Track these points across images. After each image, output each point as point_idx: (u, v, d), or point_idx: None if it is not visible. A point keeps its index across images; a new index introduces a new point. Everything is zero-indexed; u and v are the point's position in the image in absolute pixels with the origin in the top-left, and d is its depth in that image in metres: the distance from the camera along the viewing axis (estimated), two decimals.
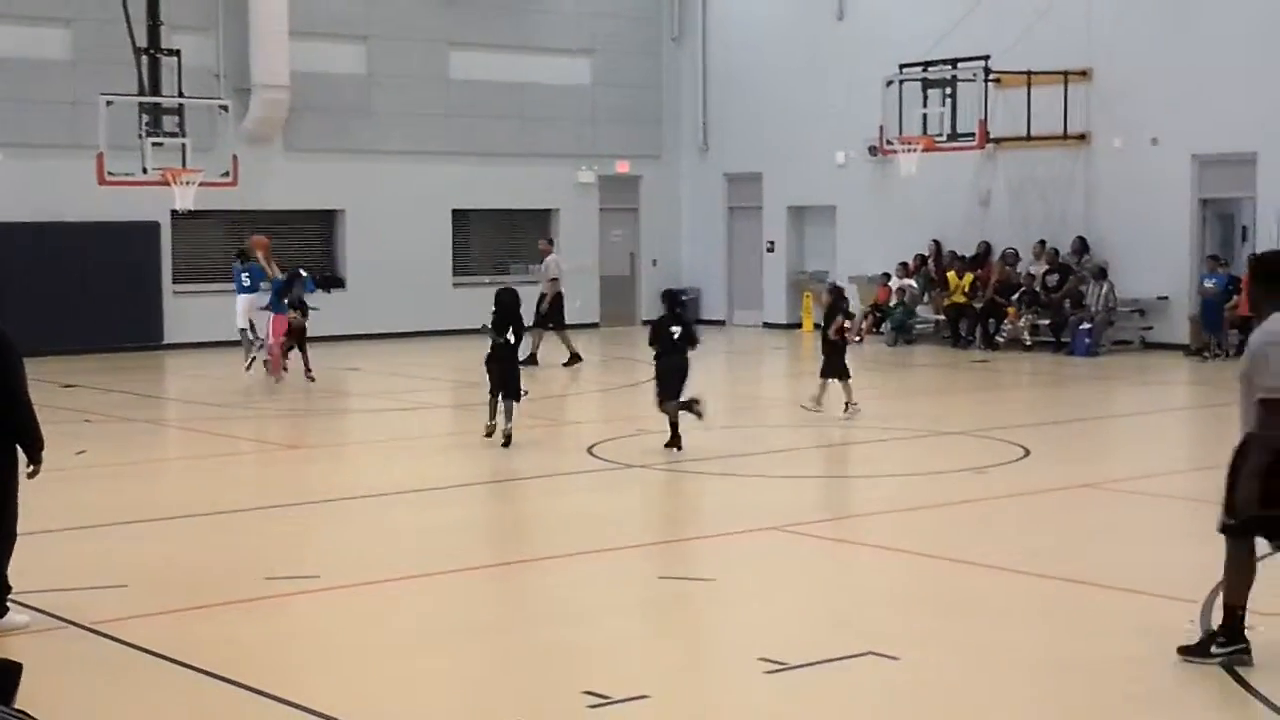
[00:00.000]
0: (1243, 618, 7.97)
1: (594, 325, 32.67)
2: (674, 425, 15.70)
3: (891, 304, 29.00)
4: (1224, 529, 8.00)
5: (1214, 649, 7.99)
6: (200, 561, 11.08)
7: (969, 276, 27.76)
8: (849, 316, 18.53)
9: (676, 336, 15.96)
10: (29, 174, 26.63)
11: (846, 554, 11.23)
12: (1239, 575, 7.99)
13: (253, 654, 8.59)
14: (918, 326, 28.80)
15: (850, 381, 18.23)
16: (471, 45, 31.40)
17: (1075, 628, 9.01)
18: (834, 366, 18.17)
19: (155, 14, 24.73)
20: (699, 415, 15.82)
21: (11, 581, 9.13)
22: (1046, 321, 26.68)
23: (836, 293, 19.01)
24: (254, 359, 22.33)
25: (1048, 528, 12.14)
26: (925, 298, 28.92)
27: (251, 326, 22.71)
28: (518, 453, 16.03)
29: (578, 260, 32.65)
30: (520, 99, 32.00)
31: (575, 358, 24.65)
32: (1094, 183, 27.15)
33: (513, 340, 16.31)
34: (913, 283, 28.95)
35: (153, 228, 27.90)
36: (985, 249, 28.52)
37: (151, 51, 24.62)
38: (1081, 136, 26.97)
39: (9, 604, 9.09)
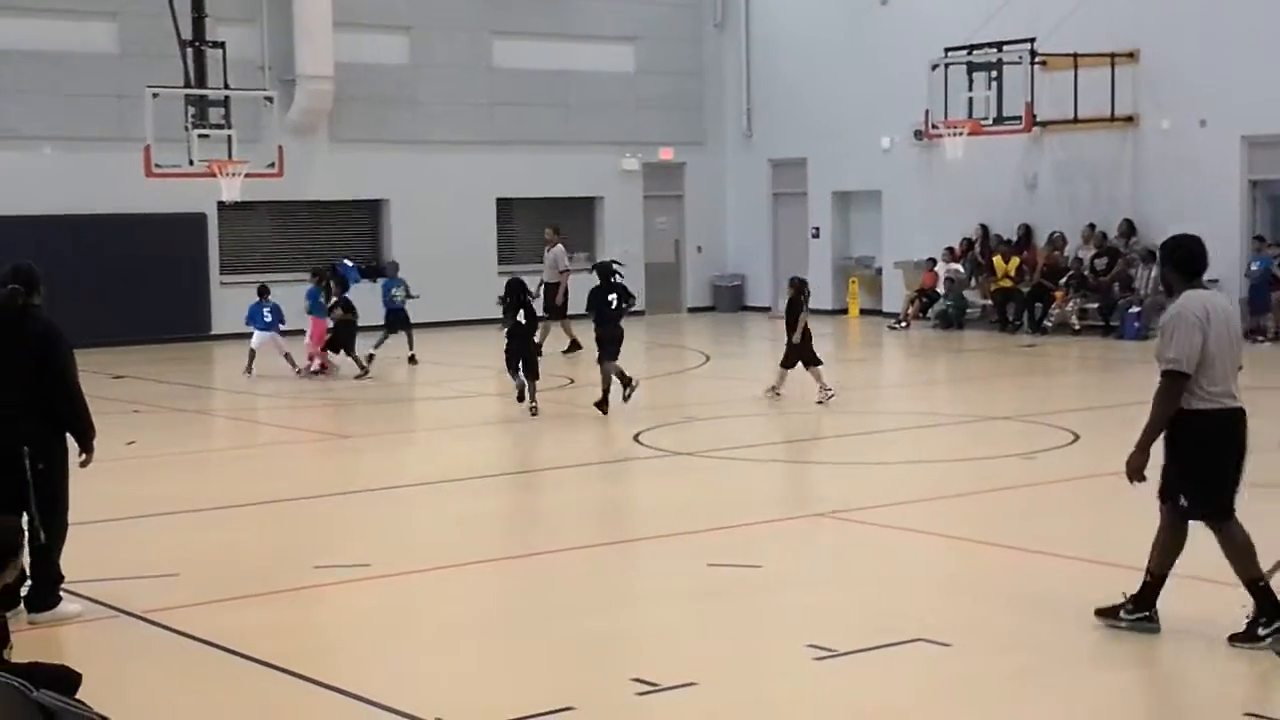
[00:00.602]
0: (1158, 588, 8.33)
1: (639, 313, 32.64)
2: (607, 389, 17.17)
3: (939, 289, 28.86)
4: (1214, 517, 8.24)
5: (1123, 614, 8.39)
6: (250, 550, 11.14)
7: (1015, 260, 27.59)
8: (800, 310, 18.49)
9: (614, 305, 17.43)
10: (77, 167, 26.82)
11: (895, 540, 11.18)
12: (1164, 545, 8.35)
13: (303, 642, 8.63)
14: (965, 311, 28.64)
15: (820, 368, 18.22)
16: (515, 34, 31.41)
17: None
18: (800, 356, 18.20)
19: (200, 6, 24.85)
20: (627, 390, 17.31)
21: (64, 571, 9.20)
22: (1095, 305, 26.49)
23: (798, 286, 19.02)
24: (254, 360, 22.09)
25: (1098, 513, 12.05)
26: (972, 282, 28.76)
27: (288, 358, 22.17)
28: (565, 440, 16.05)
29: (623, 248, 32.72)
30: (564, 87, 32.00)
31: (575, 345, 24.43)
32: (1142, 165, 26.92)
33: (524, 321, 17.66)
34: (959, 267, 28.80)
35: (199, 219, 28.06)
36: (1026, 232, 28.34)
37: (197, 44, 24.73)
38: (1129, 119, 26.74)
39: (61, 593, 9.16)
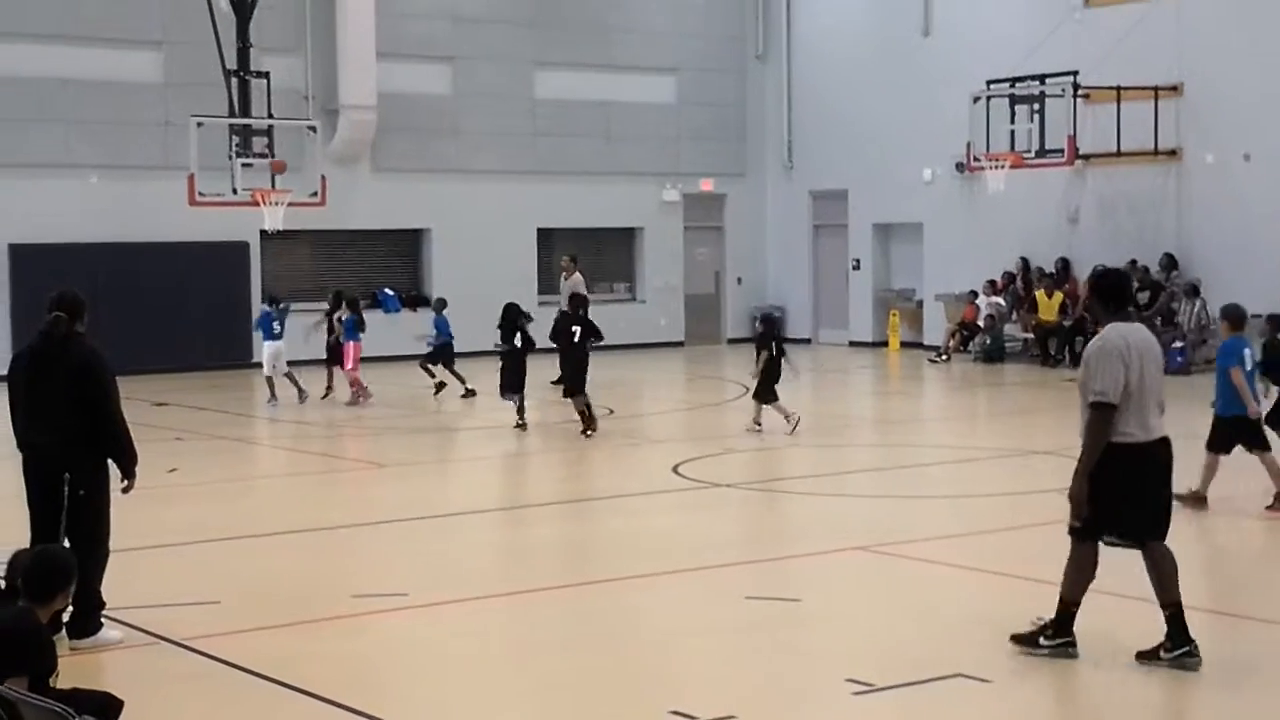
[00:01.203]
0: (1074, 614, 8.53)
1: (679, 344, 32.66)
2: (582, 413, 18.01)
3: (980, 322, 28.76)
4: (1071, 531, 8.55)
5: (1043, 640, 8.55)
6: (290, 578, 11.16)
7: (1058, 296, 27.46)
8: (766, 349, 18.59)
9: (577, 336, 18.34)
10: (121, 195, 27.05)
11: (935, 575, 11.11)
12: (1079, 574, 8.54)
13: (341, 670, 8.63)
14: (1006, 345, 28.52)
15: (779, 403, 18.37)
16: (557, 65, 31.54)
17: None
18: (765, 391, 18.35)
19: (245, 36, 25.01)
20: (588, 431, 18.01)
21: (105, 598, 9.24)
22: None
23: (768, 323, 19.24)
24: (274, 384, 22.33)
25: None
26: (1013, 316, 28.65)
27: (292, 378, 22.33)
28: (604, 471, 16.04)
29: (663, 279, 32.77)
30: (605, 118, 32.10)
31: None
32: (1186, 199, 26.80)
33: (519, 345, 18.91)
34: (1000, 301, 28.70)
35: (242, 247, 28.23)
36: (1066, 265, 28.22)
37: (241, 73, 24.90)
38: (1172, 152, 26.64)
39: (103, 620, 9.19)
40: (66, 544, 9.02)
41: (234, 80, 24.81)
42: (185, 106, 25.42)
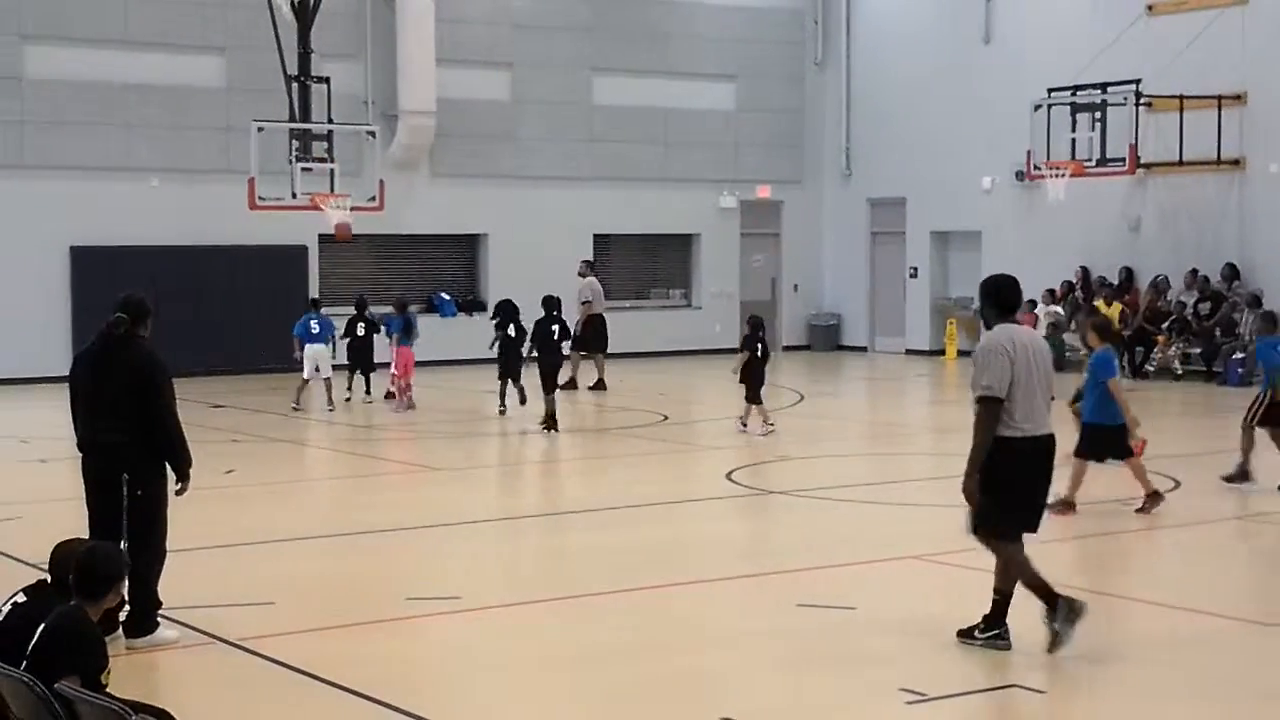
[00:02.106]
0: (1008, 602, 8.92)
1: (734, 350, 32.57)
2: (551, 412, 19.09)
3: (1040, 331, 28.53)
4: (989, 536, 8.96)
5: (977, 634, 8.95)
6: (344, 580, 11.20)
7: (1117, 306, 27.21)
8: (751, 351, 19.08)
9: (556, 336, 19.72)
10: (183, 198, 27.27)
11: (988, 584, 11.00)
12: (1020, 566, 8.92)
13: (394, 672, 8.65)
14: (1065, 354, 28.29)
15: (762, 405, 18.69)
16: (615, 71, 31.57)
17: (1229, 665, 8.76)
18: (752, 393, 18.70)
19: (306, 42, 25.19)
20: (550, 429, 19.03)
21: (161, 597, 9.29)
22: (1198, 350, 26.08)
23: (755, 325, 19.46)
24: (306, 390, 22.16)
25: (1199, 561, 11.84)
26: (1071, 325, 28.42)
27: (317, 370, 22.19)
28: (657, 477, 16.02)
29: (719, 286, 32.74)
30: (663, 124, 32.10)
31: (571, 383, 24.51)
32: (1248, 209, 26.53)
33: (513, 334, 20.32)
34: (1059, 310, 28.49)
35: (301, 251, 28.41)
36: (1128, 275, 27.99)
37: (302, 79, 25.07)
38: (1235, 162, 26.37)
39: (159, 619, 9.25)
40: (124, 544, 9.12)
41: (295, 85, 24.99)
42: (246, 111, 25.62)
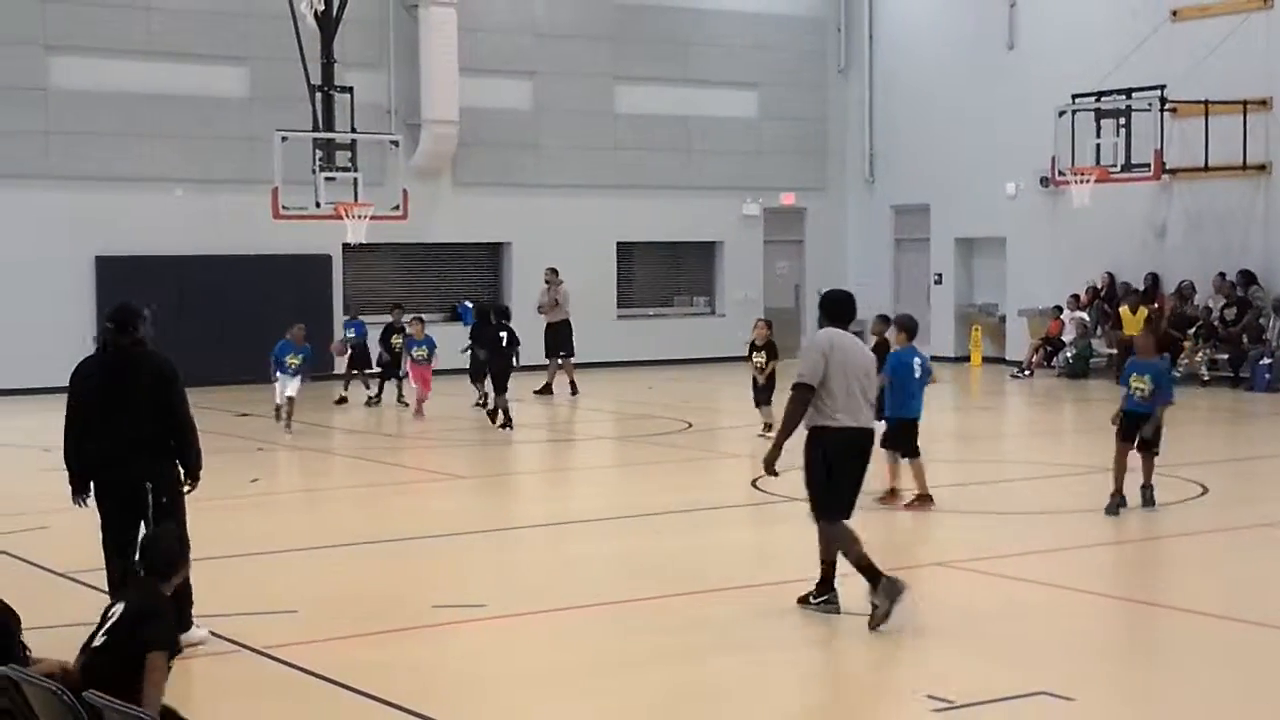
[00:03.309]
0: (876, 566, 9.76)
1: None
2: (506, 410, 20.27)
3: (1066, 337, 28.45)
4: (832, 519, 9.89)
5: (811, 599, 9.99)
6: (369, 588, 11.20)
7: (1143, 311, 27.10)
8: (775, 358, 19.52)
9: (505, 342, 20.74)
10: (207, 208, 27.36)
11: (1016, 591, 10.98)
12: (851, 544, 9.83)
13: (419, 680, 8.64)
14: (1091, 360, 28.20)
15: (769, 407, 18.78)
16: (637, 79, 31.58)
17: (1256, 672, 8.70)
18: (762, 396, 19.00)
19: (329, 52, 25.26)
20: (505, 426, 20.23)
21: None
22: (1225, 356, 25.96)
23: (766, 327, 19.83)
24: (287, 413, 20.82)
25: (1227, 568, 11.77)
26: (1097, 331, 28.33)
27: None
28: (681, 485, 15.99)
29: (743, 292, 32.69)
30: (686, 132, 32.10)
31: (547, 388, 25.38)
32: (1274, 214, 26.40)
33: (504, 341, 20.93)
34: (1084, 315, 28.39)
35: (325, 260, 28.47)
36: (1154, 281, 27.89)
37: (325, 88, 25.13)
38: (1261, 167, 26.26)
39: (193, 619, 9.32)
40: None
41: (318, 95, 25.06)
42: (270, 121, 25.68)
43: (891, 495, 14.07)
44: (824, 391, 9.68)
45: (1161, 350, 14.57)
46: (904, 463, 14.18)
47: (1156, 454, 13.66)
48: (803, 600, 10.07)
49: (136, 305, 9.59)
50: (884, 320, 15.92)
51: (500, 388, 20.51)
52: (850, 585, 11.03)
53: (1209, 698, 8.19)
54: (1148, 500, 13.59)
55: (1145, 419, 13.42)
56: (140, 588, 6.63)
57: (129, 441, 9.18)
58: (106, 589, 9.58)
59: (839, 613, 9.84)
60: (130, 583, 6.75)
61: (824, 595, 10.01)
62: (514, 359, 21.13)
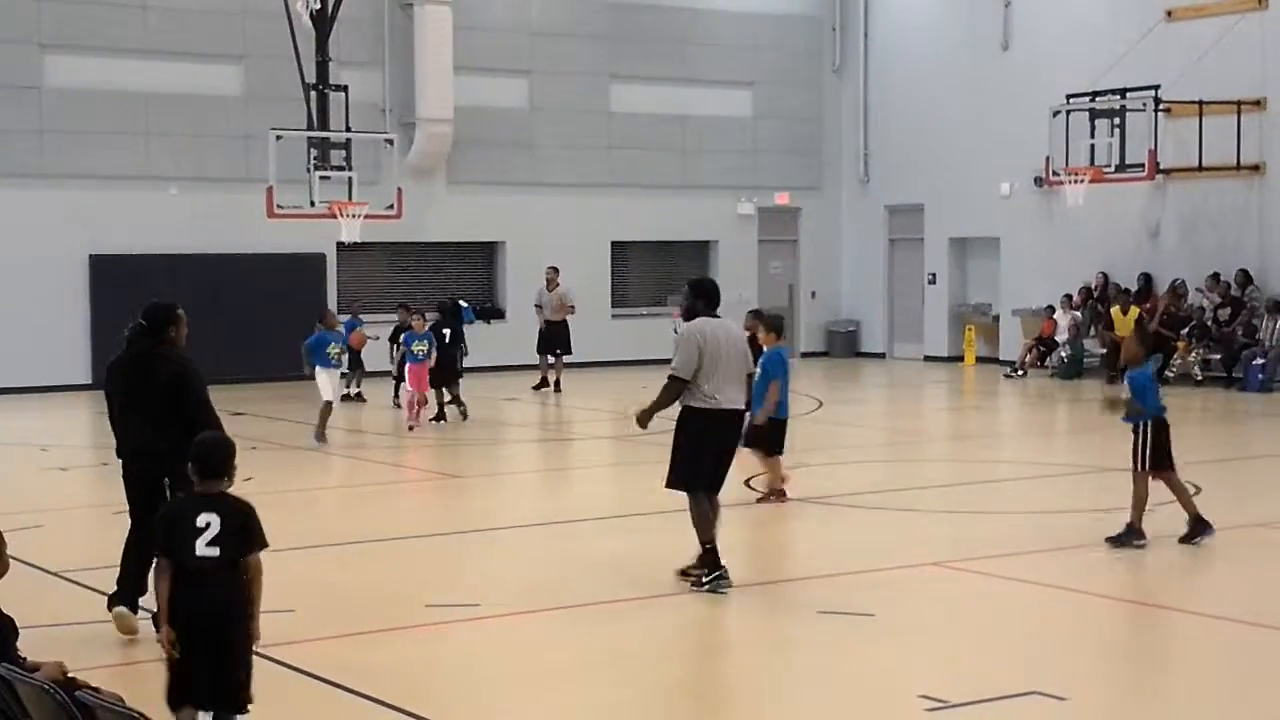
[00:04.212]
0: (715, 549, 10.48)
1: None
2: (442, 405, 20.82)
3: (1059, 337, 28.48)
4: (679, 488, 10.64)
5: (704, 580, 10.45)
6: (363, 588, 11.21)
7: (1134, 310, 27.12)
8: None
9: (448, 339, 21.15)
10: (201, 207, 27.34)
11: (1009, 591, 11.00)
12: (704, 520, 10.52)
13: (413, 679, 8.65)
14: (1085, 360, 28.23)
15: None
16: (632, 78, 31.59)
17: (1248, 671, 8.73)
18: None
19: (324, 51, 25.26)
20: (457, 409, 20.95)
21: None
22: (1218, 356, 25.99)
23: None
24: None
25: (1219, 567, 11.79)
26: (1090, 331, 28.37)
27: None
28: None
29: (738, 292, 32.70)
30: (681, 131, 32.11)
31: (544, 383, 25.96)
32: (1269, 214, 26.44)
33: (447, 337, 21.36)
34: (1078, 315, 28.43)
35: (319, 259, 28.46)
36: (1147, 281, 27.92)
37: (320, 87, 25.14)
38: (1255, 167, 26.30)
39: None
40: None
41: (313, 94, 25.07)
42: (264, 120, 25.68)
43: (778, 495, 14.23)
44: (699, 377, 10.36)
45: (1150, 352, 14.19)
46: (757, 461, 14.34)
47: (1170, 470, 12.27)
48: (690, 578, 10.59)
49: (170, 303, 9.68)
50: (756, 316, 15.60)
51: (448, 384, 20.95)
52: (838, 586, 11.05)
53: (1202, 697, 8.21)
54: (1190, 534, 12.11)
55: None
56: (221, 500, 7.01)
57: (148, 439, 9.40)
58: (114, 587, 9.62)
59: (730, 586, 10.39)
60: (206, 494, 7.06)
61: (715, 573, 10.48)
62: (459, 356, 21.67)
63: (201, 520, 6.89)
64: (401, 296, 28.71)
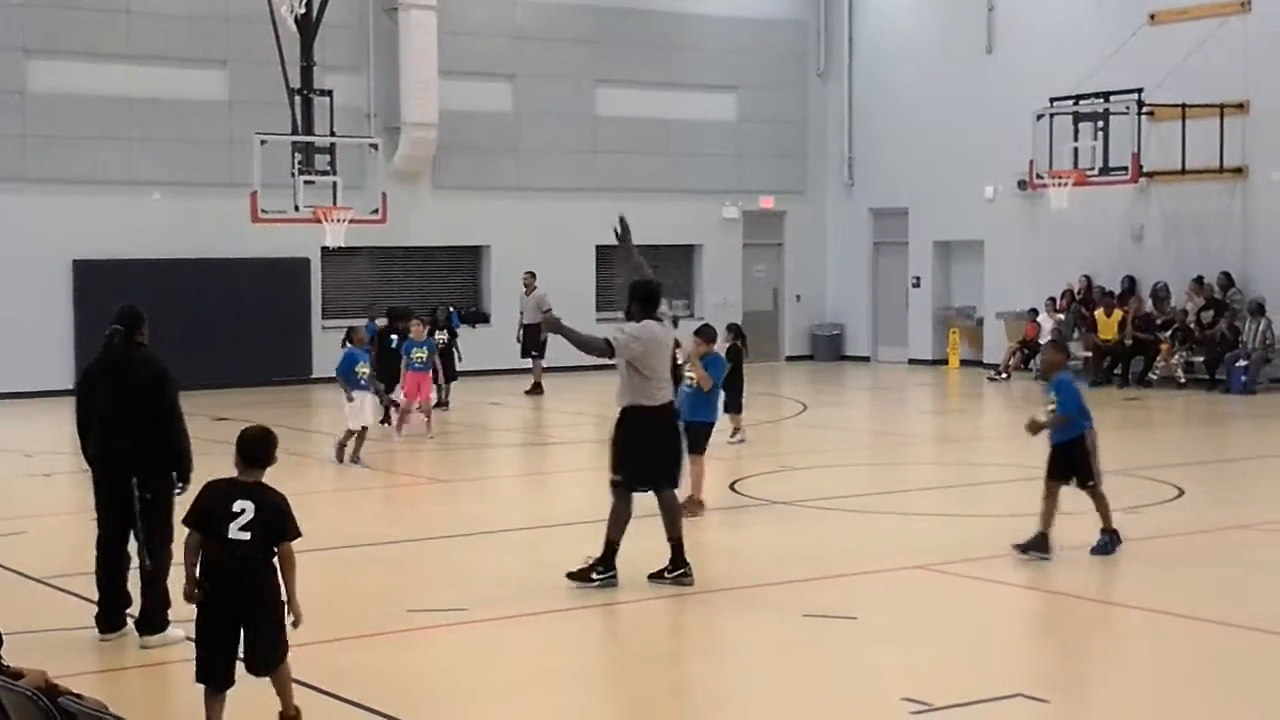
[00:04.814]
0: (615, 551, 10.83)
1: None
2: (388, 410, 20.47)
3: (1043, 340, 28.51)
4: (612, 485, 10.93)
5: (594, 575, 10.77)
6: (347, 592, 11.19)
7: (1118, 314, 27.19)
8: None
9: (394, 345, 20.88)
10: (185, 212, 27.28)
11: (993, 594, 11.02)
12: (618, 519, 10.90)
13: (397, 685, 8.65)
14: (1070, 363, 28.23)
15: (740, 415, 18.56)
16: (618, 82, 31.59)
17: (1232, 674, 8.76)
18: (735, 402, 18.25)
19: (309, 55, 25.22)
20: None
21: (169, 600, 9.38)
22: (1201, 358, 26.06)
23: (741, 336, 18.88)
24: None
25: (1203, 570, 11.83)
26: (1074, 334, 28.42)
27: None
28: None
29: (722, 296, 32.73)
30: (665, 135, 32.13)
31: (536, 387, 25.98)
32: (1251, 217, 26.53)
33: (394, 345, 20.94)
34: (1062, 318, 28.48)
35: (303, 264, 28.42)
36: (1131, 284, 27.99)
37: (305, 92, 25.10)
38: (1238, 170, 26.38)
39: (170, 618, 9.45)
40: (137, 547, 9.37)
41: (297, 98, 25.03)
42: (249, 124, 25.64)
43: (694, 504, 13.71)
44: (639, 376, 10.80)
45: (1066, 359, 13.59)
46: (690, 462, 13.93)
47: (1093, 486, 11.97)
48: (656, 576, 10.90)
49: (139, 309, 9.81)
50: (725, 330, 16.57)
51: (392, 386, 20.75)
52: (823, 589, 11.08)
53: (1184, 699, 8.23)
54: (1100, 546, 11.91)
55: (1065, 449, 12.05)
56: (259, 489, 7.58)
57: (120, 438, 9.47)
58: (95, 597, 9.62)
59: (693, 584, 10.76)
60: (244, 479, 7.58)
61: (680, 569, 10.87)
62: (400, 362, 20.88)
63: (237, 505, 7.42)
64: (387, 301, 28.71)
